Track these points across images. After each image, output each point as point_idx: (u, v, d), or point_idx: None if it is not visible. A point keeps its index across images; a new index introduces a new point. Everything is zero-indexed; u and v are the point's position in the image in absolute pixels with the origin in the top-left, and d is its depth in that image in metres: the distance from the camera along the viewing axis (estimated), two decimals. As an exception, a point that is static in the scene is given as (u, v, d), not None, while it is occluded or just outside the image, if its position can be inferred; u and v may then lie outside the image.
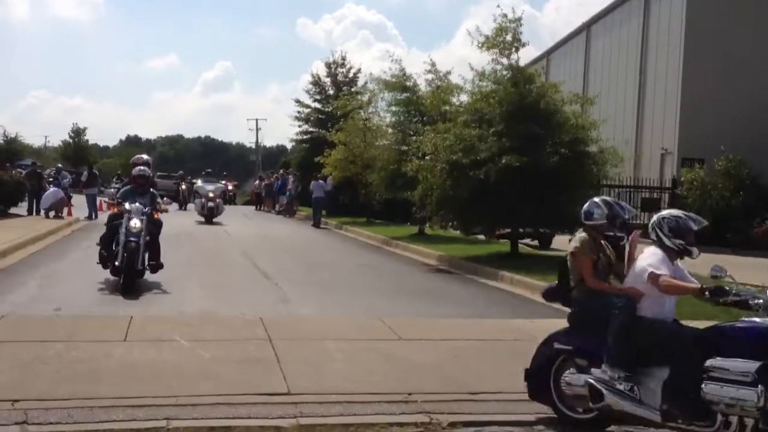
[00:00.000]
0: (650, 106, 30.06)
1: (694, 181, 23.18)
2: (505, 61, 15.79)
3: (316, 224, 27.32)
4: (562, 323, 6.00)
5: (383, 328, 8.58)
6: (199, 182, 31.53)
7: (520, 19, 15.77)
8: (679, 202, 23.39)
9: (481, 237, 19.63)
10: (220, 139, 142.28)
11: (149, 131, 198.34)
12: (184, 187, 37.03)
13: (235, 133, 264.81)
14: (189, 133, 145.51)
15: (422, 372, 6.93)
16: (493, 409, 5.99)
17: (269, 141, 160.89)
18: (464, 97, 18.99)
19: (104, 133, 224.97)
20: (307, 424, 5.49)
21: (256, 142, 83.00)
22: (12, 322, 8.10)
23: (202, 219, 25.68)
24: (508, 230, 16.54)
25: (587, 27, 37.13)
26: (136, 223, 10.65)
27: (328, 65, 41.94)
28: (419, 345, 7.90)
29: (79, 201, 26.59)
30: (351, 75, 41.52)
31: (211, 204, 25.57)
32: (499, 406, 6.05)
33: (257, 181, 44.18)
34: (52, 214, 23.35)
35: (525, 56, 43.49)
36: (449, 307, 10.82)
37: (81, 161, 61.54)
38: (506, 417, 5.82)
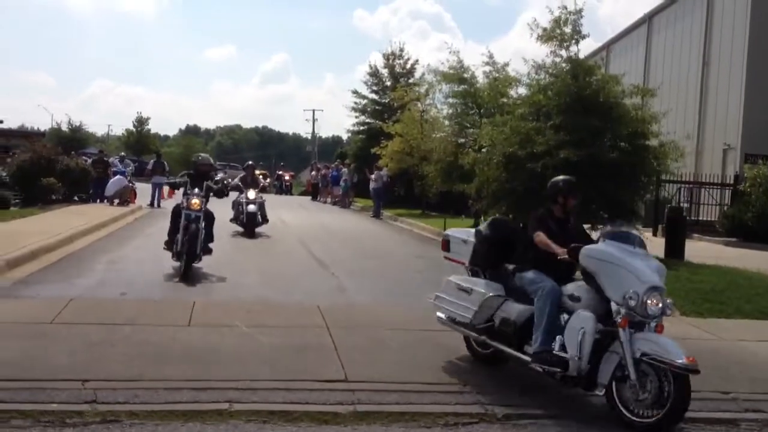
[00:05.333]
0: (713, 101, 29.35)
1: (756, 177, 22.57)
2: (564, 53, 15.62)
3: (377, 215, 27.39)
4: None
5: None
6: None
7: (581, 10, 15.59)
8: (741, 199, 22.84)
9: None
10: (276, 129, 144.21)
11: (208, 121, 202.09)
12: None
13: (292, 123, 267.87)
14: (246, 123, 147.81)
15: (476, 363, 6.98)
16: (546, 402, 6.01)
17: (325, 132, 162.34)
18: (522, 90, 18.83)
19: (164, 123, 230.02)
20: (364, 411, 5.59)
21: (312, 132, 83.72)
22: (80, 305, 8.41)
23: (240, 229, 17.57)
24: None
25: (649, 18, 36.36)
26: (195, 201, 11.09)
27: (385, 56, 42.04)
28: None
29: (142, 189, 27.24)
30: (408, 66, 41.54)
31: (252, 208, 17.23)
32: (552, 400, 6.07)
33: (313, 172, 44.57)
34: (116, 201, 24.01)
35: (585, 48, 42.93)
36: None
37: (143, 150, 63.06)
38: (559, 411, 5.83)
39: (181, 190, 11.89)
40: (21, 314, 7.82)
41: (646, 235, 15.62)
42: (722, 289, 10.88)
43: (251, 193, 17.52)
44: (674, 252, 15.20)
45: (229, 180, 15.83)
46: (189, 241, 10.76)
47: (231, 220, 17.46)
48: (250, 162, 20.56)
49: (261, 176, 33.14)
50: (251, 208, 17.30)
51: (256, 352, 6.90)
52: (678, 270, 12.86)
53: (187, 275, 10.66)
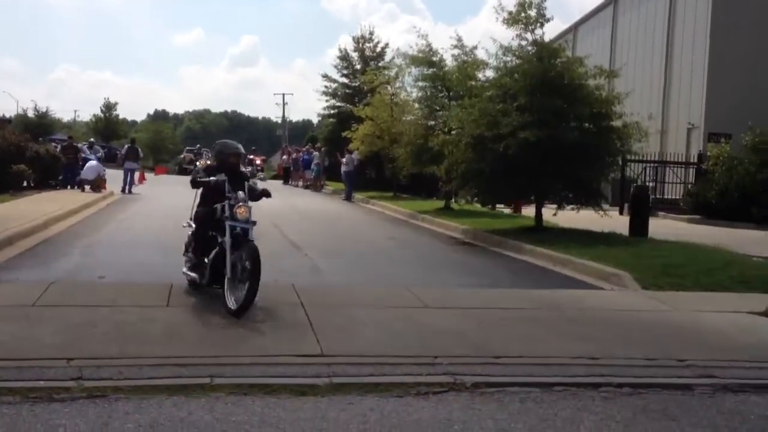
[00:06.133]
0: (677, 81, 29.98)
1: (720, 156, 23.19)
2: (529, 36, 15.97)
3: (348, 198, 27.63)
4: (586, 294, 6.30)
5: (410, 297, 8.96)
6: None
7: (545, -6, 15.92)
8: (704, 177, 23.46)
9: (507, 211, 19.93)
10: (246, 114, 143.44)
11: (177, 105, 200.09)
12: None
13: (262, 107, 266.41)
14: (216, 108, 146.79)
15: (447, 337, 7.29)
16: (514, 372, 6.33)
17: (296, 116, 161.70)
18: (489, 73, 19.16)
19: (133, 108, 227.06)
20: (339, 383, 5.86)
21: (283, 116, 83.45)
22: (61, 288, 8.58)
23: None
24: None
25: (614, 0, 36.90)
26: (243, 209, 8.03)
27: (355, 39, 42.14)
28: (444, 312, 8.27)
29: (112, 175, 27.18)
30: (378, 50, 41.68)
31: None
32: (520, 369, 6.39)
33: (284, 156, 44.61)
34: (87, 187, 23.98)
35: (552, 30, 43.22)
36: (473, 278, 11.19)
37: (112, 135, 62.55)
38: (527, 379, 6.14)
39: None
40: (2, 298, 7.97)
41: (611, 213, 16.11)
42: (681, 264, 11.31)
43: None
44: (638, 230, 15.68)
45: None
46: (254, 262, 7.59)
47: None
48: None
49: (260, 160, 30.99)
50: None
51: (235, 331, 7.13)
52: (640, 247, 13.33)
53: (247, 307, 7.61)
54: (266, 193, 8.79)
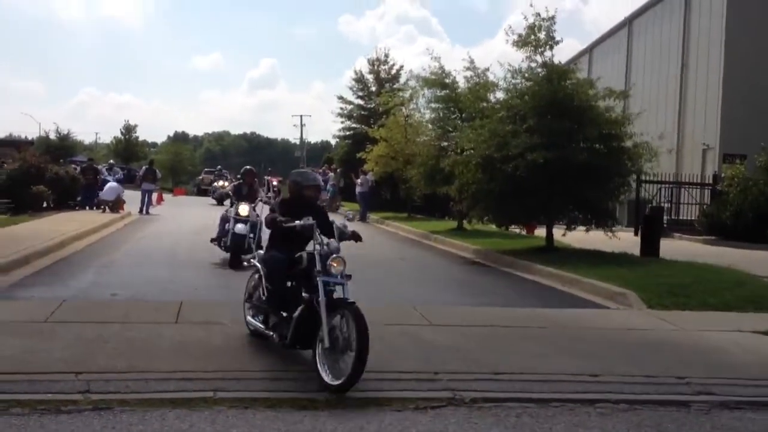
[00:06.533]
0: (692, 102, 29.99)
1: (734, 177, 23.12)
2: (539, 58, 16.13)
3: (363, 218, 27.83)
4: (590, 313, 6.33)
5: (416, 315, 9.08)
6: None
7: (553, 17, 16.15)
8: (719, 198, 23.39)
9: (520, 232, 19.99)
10: (265, 135, 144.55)
11: (196, 128, 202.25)
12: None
13: (280, 129, 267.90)
14: (235, 130, 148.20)
15: (450, 354, 7.40)
16: (513, 387, 6.42)
17: (313, 137, 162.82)
18: (500, 94, 19.32)
19: (152, 130, 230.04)
20: (340, 398, 6.00)
21: (301, 137, 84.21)
22: (74, 305, 8.79)
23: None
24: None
25: (629, 22, 37.07)
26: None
27: (370, 62, 42.56)
28: (449, 330, 8.38)
29: (131, 196, 27.57)
30: (393, 72, 42.08)
31: (240, 228, 13.16)
32: (519, 385, 6.48)
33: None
34: (106, 208, 24.34)
35: (567, 51, 43.50)
36: (481, 297, 11.29)
37: (132, 157, 63.38)
38: (525, 395, 6.23)
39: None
40: (16, 314, 8.20)
41: (619, 235, 16.12)
42: (689, 284, 11.34)
43: (243, 208, 13.23)
44: (649, 250, 15.70)
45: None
46: (361, 332, 6.18)
47: (212, 241, 13.77)
48: (249, 167, 14.89)
49: (277, 181, 31.48)
50: (239, 228, 12.98)
51: (241, 347, 7.29)
52: (649, 267, 13.36)
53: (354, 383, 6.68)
54: (357, 237, 7.27)
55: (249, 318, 7.61)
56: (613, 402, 6.12)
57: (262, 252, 7.66)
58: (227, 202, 11.10)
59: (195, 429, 5.18)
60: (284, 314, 6.79)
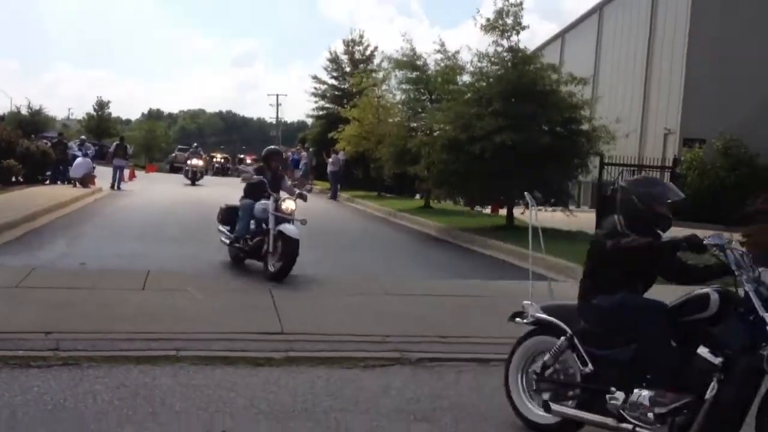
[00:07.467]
0: (656, 87, 30.63)
1: (693, 160, 23.79)
2: (505, 43, 16.57)
3: (334, 196, 28.21)
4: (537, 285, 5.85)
5: (375, 285, 9.53)
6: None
7: (521, 3, 16.58)
8: (677, 181, 24.09)
9: (486, 211, 20.53)
10: (241, 114, 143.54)
11: (172, 105, 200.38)
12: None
13: (257, 108, 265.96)
14: (211, 108, 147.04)
15: (402, 320, 7.86)
16: (456, 349, 6.92)
17: (290, 117, 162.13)
18: (467, 78, 19.75)
19: (127, 107, 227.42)
20: (294, 357, 6.44)
21: (276, 117, 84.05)
22: (44, 272, 9.11)
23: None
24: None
25: (600, 8, 37.58)
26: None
27: (345, 43, 42.62)
28: (403, 299, 8.84)
29: (102, 171, 27.66)
30: (368, 53, 42.15)
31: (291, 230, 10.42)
32: (463, 347, 6.98)
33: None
34: (77, 183, 24.47)
35: (540, 36, 43.87)
36: (438, 270, 11.79)
37: (104, 134, 62.91)
38: (467, 355, 6.73)
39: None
40: (-12, 280, 8.51)
41: (578, 215, 16.67)
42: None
43: (290, 203, 10.01)
44: (606, 229, 16.27)
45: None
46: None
47: (228, 242, 10.64)
48: (274, 147, 12.25)
49: (251, 159, 32.89)
50: (291, 230, 9.55)
51: (203, 311, 7.69)
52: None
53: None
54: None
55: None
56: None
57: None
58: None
59: (158, 382, 5.59)
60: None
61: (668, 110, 29.14)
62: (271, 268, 9.59)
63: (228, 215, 10.84)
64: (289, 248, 9.43)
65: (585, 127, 16.06)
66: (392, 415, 5.12)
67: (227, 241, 10.67)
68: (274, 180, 10.38)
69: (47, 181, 25.25)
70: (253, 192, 10.37)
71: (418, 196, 27.15)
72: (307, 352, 6.60)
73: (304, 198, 10.50)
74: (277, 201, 9.99)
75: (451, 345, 7.06)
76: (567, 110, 15.92)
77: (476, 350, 6.89)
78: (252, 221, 10.35)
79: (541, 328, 5.20)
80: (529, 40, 78.18)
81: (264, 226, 10.01)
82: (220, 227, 10.93)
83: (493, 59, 16.86)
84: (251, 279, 9.65)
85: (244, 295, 8.63)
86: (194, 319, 7.36)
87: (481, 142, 15.08)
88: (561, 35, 44.20)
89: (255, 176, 10.42)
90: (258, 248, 9.96)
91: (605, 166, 24.24)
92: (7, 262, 9.88)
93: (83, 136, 37.12)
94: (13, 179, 22.62)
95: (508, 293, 9.41)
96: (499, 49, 16.84)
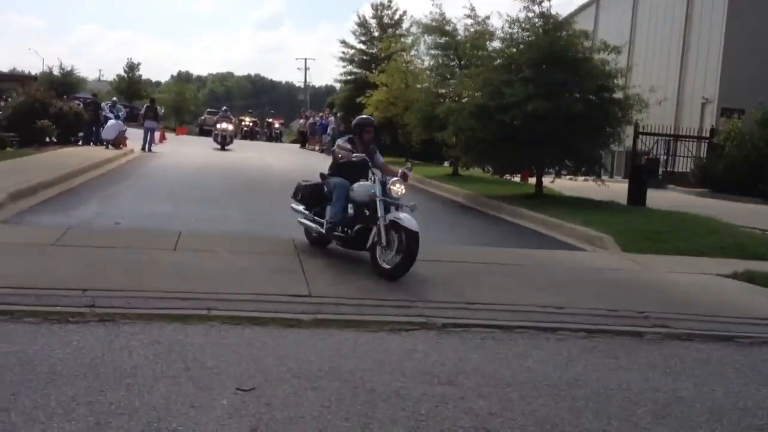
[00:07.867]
0: (693, 56, 30.12)
1: (731, 131, 23.45)
2: (537, 9, 16.36)
3: None
4: (567, 254, 6.72)
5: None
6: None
7: (554, -33, 16.30)
8: (715, 152, 23.77)
9: (515, 179, 20.47)
10: (269, 78, 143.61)
11: (200, 68, 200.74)
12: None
13: (285, 72, 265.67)
14: (239, 71, 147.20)
15: (429, 286, 7.95)
16: (481, 316, 6.98)
17: (318, 81, 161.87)
18: (497, 44, 19.55)
19: (156, 69, 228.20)
20: (322, 319, 6.56)
21: (305, 81, 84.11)
22: (79, 232, 9.36)
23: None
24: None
25: (637, -27, 36.87)
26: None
27: (374, 7, 42.33)
28: (431, 265, 8.87)
29: (134, 133, 27.97)
30: (396, 17, 41.86)
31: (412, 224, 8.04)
32: (487, 314, 7.04)
33: (302, 120, 45.12)
34: (109, 144, 24.79)
35: (575, 1, 43.16)
36: (466, 237, 11.84)
37: (134, 95, 63.36)
38: (492, 322, 6.80)
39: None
40: (25, 238, 8.76)
41: (610, 184, 16.55)
42: (666, 231, 11.86)
43: (399, 188, 8.48)
44: (636, 199, 16.22)
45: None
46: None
47: (327, 232, 9.06)
48: (367, 116, 11.44)
49: (279, 123, 32.59)
50: (409, 221, 8.07)
51: (233, 272, 7.85)
52: (632, 214, 13.87)
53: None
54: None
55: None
56: (573, 330, 6.69)
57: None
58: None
59: (190, 339, 5.75)
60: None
61: (706, 79, 28.68)
62: (385, 264, 8.11)
63: (310, 195, 9.50)
64: (411, 242, 7.92)
65: (618, 95, 15.84)
66: (416, 377, 5.22)
67: (310, 223, 9.33)
68: (367, 156, 8.92)
69: (80, 142, 25.60)
70: (346, 170, 8.97)
71: (446, 163, 27.08)
72: (333, 315, 6.71)
73: (406, 178, 8.65)
74: (384, 184, 8.43)
75: (476, 311, 7.13)
76: (600, 78, 15.71)
77: (500, 317, 6.95)
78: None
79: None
80: (563, 5, 76.94)
81: (366, 212, 8.67)
82: (294, 205, 9.85)
83: (523, 25, 16.66)
84: (279, 243, 9.78)
85: (273, 258, 8.77)
86: (223, 280, 7.51)
87: (512, 110, 14.96)
88: (596, 1, 43.44)
89: (356, 154, 8.87)
90: (361, 237, 8.54)
91: (639, 135, 24.04)
92: (44, 221, 10.13)
93: (114, 98, 37.41)
94: (47, 140, 22.98)
95: (535, 262, 9.53)
96: (531, 14, 16.64)
